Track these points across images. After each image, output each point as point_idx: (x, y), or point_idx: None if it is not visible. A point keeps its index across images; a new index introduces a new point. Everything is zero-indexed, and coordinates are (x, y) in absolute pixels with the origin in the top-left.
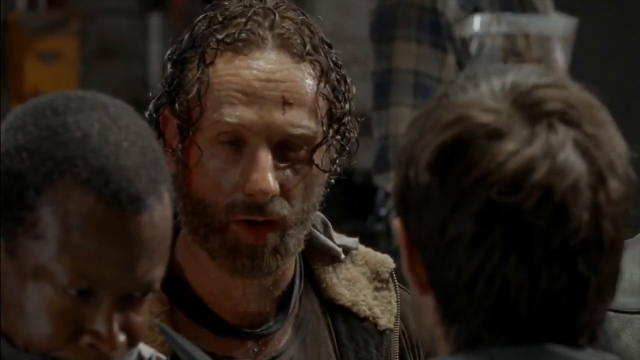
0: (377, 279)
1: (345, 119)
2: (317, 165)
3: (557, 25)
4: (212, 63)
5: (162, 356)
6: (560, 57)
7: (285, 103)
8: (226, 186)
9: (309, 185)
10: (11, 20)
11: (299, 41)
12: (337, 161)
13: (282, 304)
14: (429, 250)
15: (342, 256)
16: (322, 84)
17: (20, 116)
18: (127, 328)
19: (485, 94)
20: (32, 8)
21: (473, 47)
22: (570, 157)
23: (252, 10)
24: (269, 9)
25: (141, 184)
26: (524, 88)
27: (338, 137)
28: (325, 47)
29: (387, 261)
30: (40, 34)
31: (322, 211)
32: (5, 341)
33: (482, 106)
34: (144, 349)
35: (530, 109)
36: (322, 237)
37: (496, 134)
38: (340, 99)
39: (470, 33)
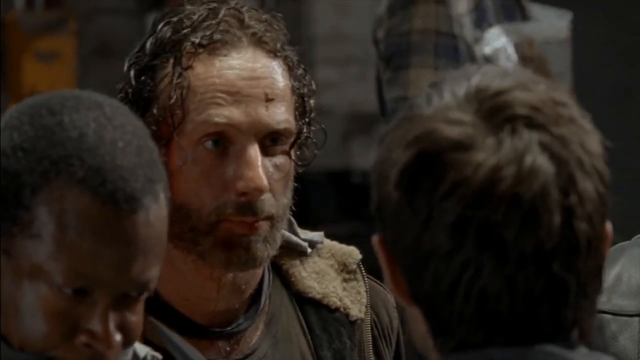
0: (345, 270)
1: (312, 114)
2: (294, 161)
3: (558, 28)
4: (190, 67)
5: (158, 355)
6: (564, 59)
7: (268, 99)
8: (213, 188)
9: (288, 180)
10: (9, 20)
11: (270, 38)
12: (304, 156)
13: (252, 300)
14: (407, 265)
15: (309, 250)
16: (292, 79)
17: (16, 115)
18: (122, 327)
19: (449, 103)
20: (30, 8)
21: (500, 60)
22: (537, 160)
23: (221, 12)
24: (236, 9)
25: (137, 184)
26: (488, 94)
27: (306, 131)
28: (288, 45)
29: (353, 253)
30: (38, 34)
31: (319, 211)
32: (1, 341)
33: (447, 118)
34: (139, 348)
35: (494, 116)
36: (287, 233)
37: (462, 146)
38: (308, 93)
39: (493, 48)
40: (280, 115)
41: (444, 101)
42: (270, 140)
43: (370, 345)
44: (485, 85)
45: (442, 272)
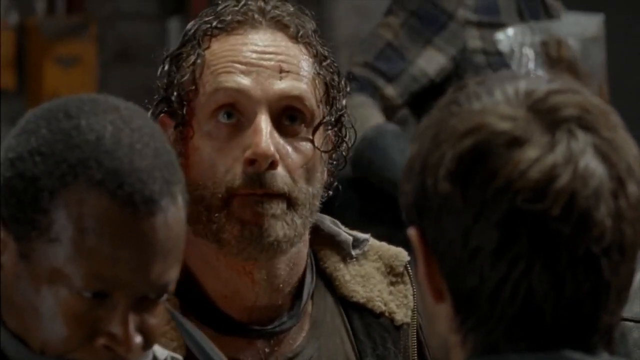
0: (392, 273)
1: (343, 111)
2: (317, 147)
3: (587, 27)
4: (208, 47)
5: (178, 356)
6: (596, 57)
7: (282, 71)
8: (225, 162)
9: (311, 169)
10: (30, 24)
11: (293, 23)
12: (336, 155)
13: (295, 299)
14: (450, 259)
15: (352, 250)
16: (317, 66)
17: (33, 120)
18: (142, 330)
19: (500, 100)
20: (51, 13)
21: (518, 59)
22: (592, 163)
23: (243, 1)
24: (262, 0)
25: (155, 186)
26: (539, 94)
27: (336, 125)
28: (319, 38)
29: (400, 254)
30: (59, 39)
31: (340, 216)
32: (20, 344)
33: (499, 113)
34: (159, 350)
35: (548, 115)
36: (331, 226)
37: (516, 142)
38: (337, 86)
39: (508, 45)
40: (298, 85)
41: (494, 98)
42: (287, 118)
43: (415, 351)
44: (533, 87)
45: (489, 268)
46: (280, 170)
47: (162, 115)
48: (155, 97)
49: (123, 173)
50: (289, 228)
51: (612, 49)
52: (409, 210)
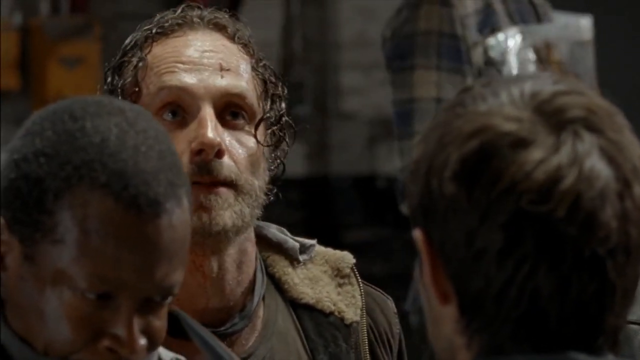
0: (339, 275)
1: (283, 112)
2: (259, 142)
3: (577, 30)
4: (149, 52)
5: (182, 358)
6: (585, 61)
7: (223, 69)
8: None
9: (255, 162)
10: (34, 25)
11: (230, 25)
12: (276, 155)
13: (246, 300)
14: (455, 261)
15: (299, 255)
16: (255, 65)
17: (38, 121)
18: (146, 332)
19: (506, 102)
20: (54, 13)
21: (510, 64)
22: (597, 164)
23: (180, 8)
24: (198, 7)
25: (160, 188)
26: (544, 96)
27: (276, 124)
28: (254, 44)
29: (346, 257)
30: (63, 39)
31: (344, 217)
32: (24, 345)
33: (504, 115)
34: (164, 352)
35: (553, 116)
36: (278, 234)
37: (521, 143)
38: (275, 85)
39: (500, 52)
40: (237, 82)
41: (500, 99)
42: (230, 114)
43: (367, 349)
44: (539, 88)
45: (495, 270)
46: (226, 159)
47: None
48: None
49: (128, 175)
50: (237, 218)
51: (600, 50)
52: (414, 211)
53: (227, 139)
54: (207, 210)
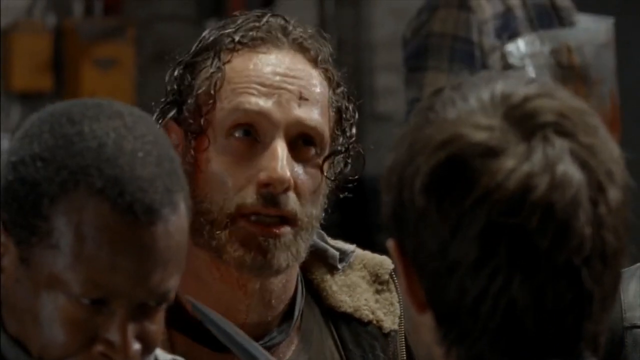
0: (377, 281)
1: (353, 139)
2: (325, 176)
3: (598, 32)
4: (228, 61)
5: (180, 359)
6: (607, 62)
7: (302, 98)
8: (238, 180)
9: (317, 192)
10: (68, 27)
11: (313, 47)
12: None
13: (285, 315)
14: (429, 272)
15: (339, 263)
16: (331, 91)
17: (37, 124)
18: (141, 337)
19: (475, 108)
20: (88, 15)
21: (529, 70)
22: (569, 169)
23: (265, 17)
24: (281, 17)
25: (156, 195)
26: (515, 100)
27: (345, 152)
28: (333, 63)
29: (385, 262)
30: (97, 41)
31: (377, 218)
32: (19, 349)
33: (474, 123)
34: (161, 355)
35: (524, 122)
36: (319, 242)
37: (492, 152)
38: (348, 116)
39: (519, 57)
40: (314, 115)
41: (469, 105)
42: (302, 141)
43: (405, 358)
44: (510, 91)
45: (469, 282)
46: (291, 193)
47: (168, 120)
48: (162, 99)
49: (124, 181)
50: (292, 258)
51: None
52: (387, 221)
53: (295, 170)
54: (263, 253)
